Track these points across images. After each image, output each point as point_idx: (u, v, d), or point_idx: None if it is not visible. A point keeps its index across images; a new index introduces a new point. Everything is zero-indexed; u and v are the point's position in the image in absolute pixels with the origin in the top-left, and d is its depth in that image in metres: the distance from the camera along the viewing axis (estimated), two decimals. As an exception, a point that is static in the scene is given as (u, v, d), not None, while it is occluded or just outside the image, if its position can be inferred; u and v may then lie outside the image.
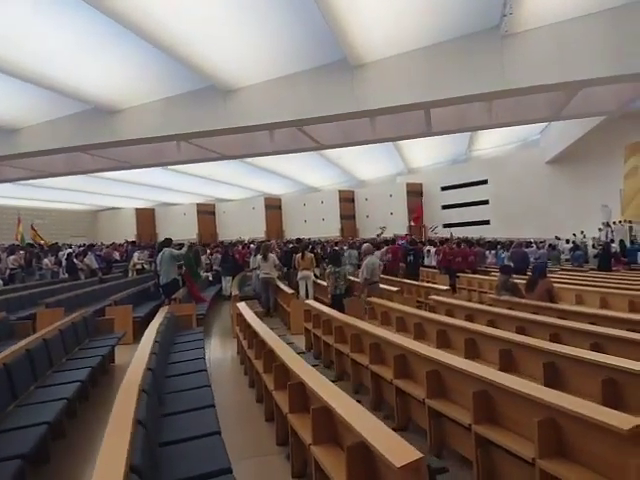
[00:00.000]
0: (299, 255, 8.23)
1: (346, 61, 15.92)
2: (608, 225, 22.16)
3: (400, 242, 11.55)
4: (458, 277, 9.63)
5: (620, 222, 22.06)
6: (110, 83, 16.23)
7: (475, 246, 12.26)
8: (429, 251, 11.39)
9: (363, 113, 17.36)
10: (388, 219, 36.99)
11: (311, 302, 5.64)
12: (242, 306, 5.24)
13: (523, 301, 5.09)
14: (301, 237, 24.39)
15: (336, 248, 13.04)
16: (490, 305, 5.28)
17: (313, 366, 3.58)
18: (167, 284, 8.48)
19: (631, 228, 21.65)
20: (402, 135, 22.95)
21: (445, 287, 7.05)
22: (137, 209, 44.66)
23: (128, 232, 41.72)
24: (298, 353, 3.98)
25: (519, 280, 6.03)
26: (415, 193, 39.66)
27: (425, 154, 35.88)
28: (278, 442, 3.27)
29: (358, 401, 2.29)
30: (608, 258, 11.38)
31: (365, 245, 6.87)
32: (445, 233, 32.15)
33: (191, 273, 9.16)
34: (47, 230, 35.95)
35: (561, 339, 3.48)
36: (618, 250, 12.14)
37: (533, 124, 26.88)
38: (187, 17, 12.99)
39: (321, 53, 16.16)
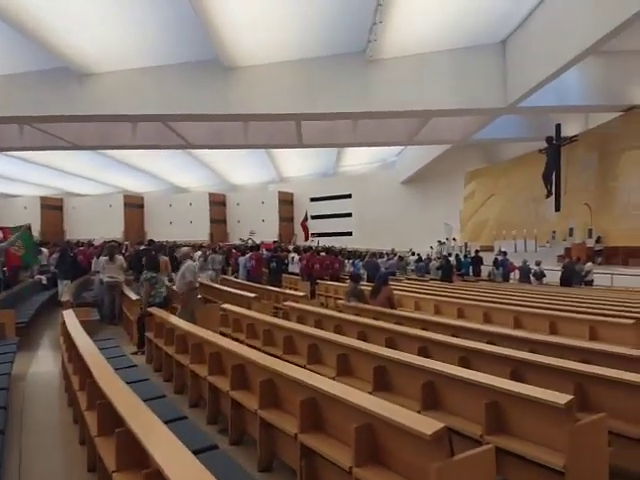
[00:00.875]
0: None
1: (219, 61, 15.58)
2: (442, 243, 25.46)
3: (264, 250, 11.60)
4: (317, 284, 9.98)
5: (450, 239, 25.43)
6: None
7: (339, 255, 12.89)
8: (293, 258, 11.62)
9: (233, 117, 17.14)
10: (260, 225, 37.04)
11: (155, 310, 5.24)
12: (68, 313, 4.63)
13: (367, 307, 5.43)
14: (160, 240, 22.99)
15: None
16: (339, 311, 5.53)
17: (143, 380, 3.30)
18: None
19: (466, 244, 24.95)
20: (274, 144, 23.26)
21: (302, 293, 7.22)
22: (-40, 200, 37.72)
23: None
24: (129, 367, 3.64)
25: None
26: (286, 202, 40.46)
27: (297, 165, 36.94)
28: (89, 468, 2.88)
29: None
30: (449, 270, 12.86)
31: (184, 249, 6.61)
32: (313, 242, 33.35)
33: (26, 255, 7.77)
34: None
35: (395, 343, 3.76)
36: (455, 263, 13.89)
37: (390, 147, 29.57)
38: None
39: (193, 49, 15.52)
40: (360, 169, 38.08)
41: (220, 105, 16.28)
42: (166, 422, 2.04)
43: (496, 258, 13.73)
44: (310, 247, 15.03)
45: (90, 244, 12.89)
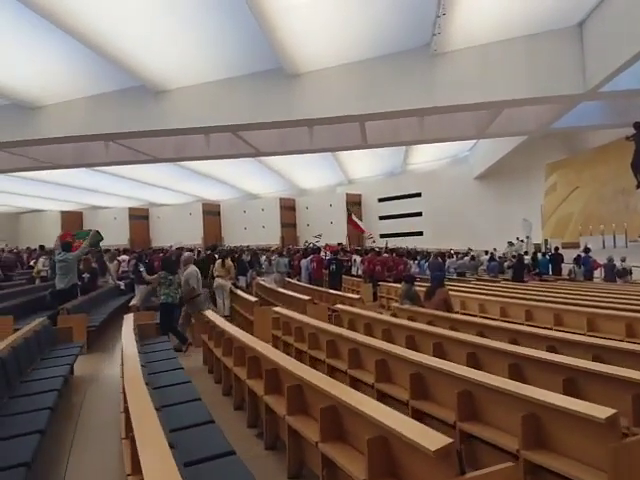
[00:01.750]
0: (219, 262, 7.95)
1: (282, 70, 15.98)
2: (512, 244, 23.85)
3: (328, 252, 11.63)
4: (379, 285, 9.82)
5: (521, 238, 23.68)
6: (29, 76, 15.18)
7: (403, 256, 12.62)
8: (355, 260, 11.54)
9: (298, 122, 17.45)
10: (328, 228, 37.36)
11: (210, 314, 5.42)
12: (128, 317, 4.95)
13: (422, 310, 5.24)
14: (237, 245, 23.88)
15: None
16: (393, 314, 5.39)
17: (184, 383, 3.34)
18: (61, 291, 7.90)
19: (546, 241, 23.27)
20: (339, 146, 23.33)
21: (357, 296, 7.12)
22: (62, 212, 41.95)
23: (53, 237, 39.11)
24: (175, 369, 3.79)
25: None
26: (354, 203, 40.43)
27: (364, 166, 36.75)
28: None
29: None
30: (521, 270, 12.08)
31: (186, 254, 6.56)
32: (382, 243, 32.99)
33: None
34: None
35: (443, 349, 3.58)
36: (531, 262, 13.00)
37: (462, 141, 28.40)
38: (113, 14, 12.49)
39: (258, 60, 16.08)
40: (429, 166, 36.99)
41: (284, 112, 16.68)
42: (190, 426, 2.12)
43: (578, 255, 12.64)
44: (373, 248, 14.84)
45: (164, 250, 13.75)
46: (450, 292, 7.49)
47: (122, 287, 9.68)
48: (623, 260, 11.19)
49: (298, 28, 13.87)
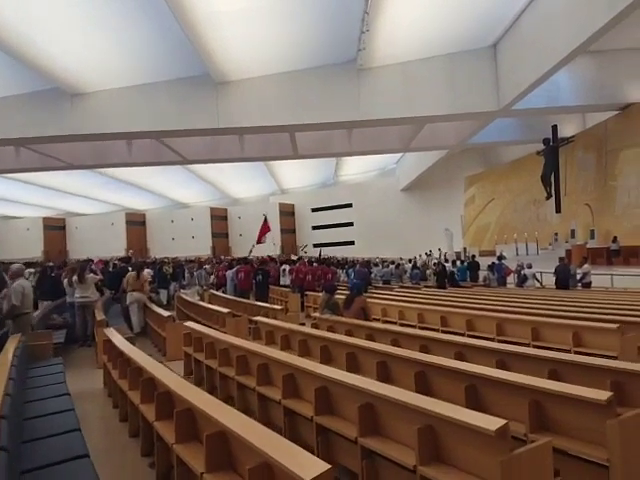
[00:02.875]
0: (132, 274, 7.46)
1: (210, 76, 15.63)
2: (429, 254, 25.33)
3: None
4: (306, 295, 9.78)
5: (437, 249, 25.32)
6: None
7: (331, 265, 12.71)
8: (284, 270, 11.43)
9: (225, 130, 17.10)
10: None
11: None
12: (12, 339, 4.46)
13: (341, 319, 5.24)
14: (162, 257, 22.80)
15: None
16: (314, 324, 5.34)
17: None
18: None
19: (465, 249, 24.66)
20: (269, 156, 23.24)
21: (279, 307, 7.01)
22: (-34, 222, 38.11)
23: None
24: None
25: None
26: (287, 213, 40.43)
27: (297, 176, 36.97)
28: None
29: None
30: (444, 276, 12.63)
31: (14, 266, 5.88)
32: (315, 252, 33.23)
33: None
34: None
35: (357, 359, 3.57)
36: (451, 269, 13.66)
37: (389, 154, 29.49)
38: (26, 13, 11.58)
39: (183, 65, 15.59)
40: (360, 178, 38.05)
41: (211, 119, 16.30)
42: (54, 464, 1.85)
43: (493, 262, 13.47)
44: (299, 257, 14.82)
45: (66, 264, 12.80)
46: (373, 299, 7.62)
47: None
48: (529, 267, 12.05)
49: (226, 35, 13.66)
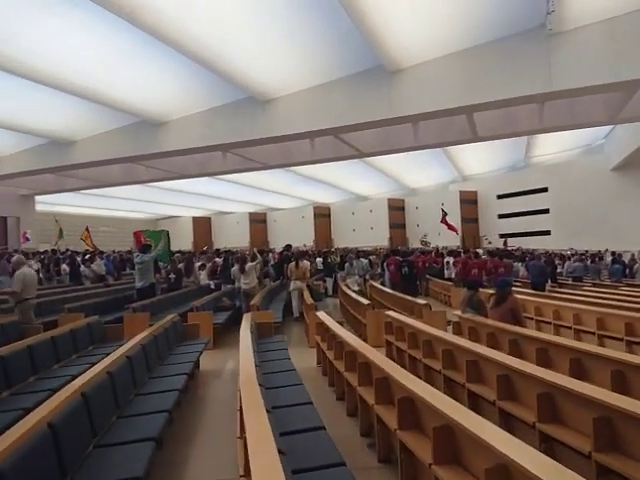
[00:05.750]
0: (292, 264, 8.00)
1: (383, 67, 15.69)
2: None
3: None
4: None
5: None
6: (154, 96, 17.14)
7: (504, 258, 11.42)
8: (448, 263, 10.72)
9: (399, 119, 16.94)
10: (439, 228, 35.81)
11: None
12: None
13: (485, 320, 4.57)
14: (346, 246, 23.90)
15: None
16: (455, 322, 4.82)
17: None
18: (140, 289, 8.52)
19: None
20: (445, 141, 22.16)
21: (423, 302, 6.54)
22: (194, 217, 46.63)
23: (186, 240, 43.65)
24: None
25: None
26: (469, 201, 38.16)
27: (480, 161, 34.42)
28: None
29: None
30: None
31: (16, 257, 5.86)
32: (500, 243, 30.64)
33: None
34: (112, 237, 38.56)
35: (480, 372, 3.05)
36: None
37: (596, 128, 24.97)
38: (221, 31, 13.47)
39: (356, 60, 16.04)
40: (557, 157, 33.25)
41: (385, 110, 16.38)
42: (300, 431, 2.08)
43: None
44: (467, 249, 13.66)
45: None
46: (537, 299, 6.54)
47: (212, 286, 10.36)
48: None
49: (395, 21, 13.49)
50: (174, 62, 14.81)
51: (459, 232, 28.29)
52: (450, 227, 22.79)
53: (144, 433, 3.30)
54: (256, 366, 3.25)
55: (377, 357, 3.13)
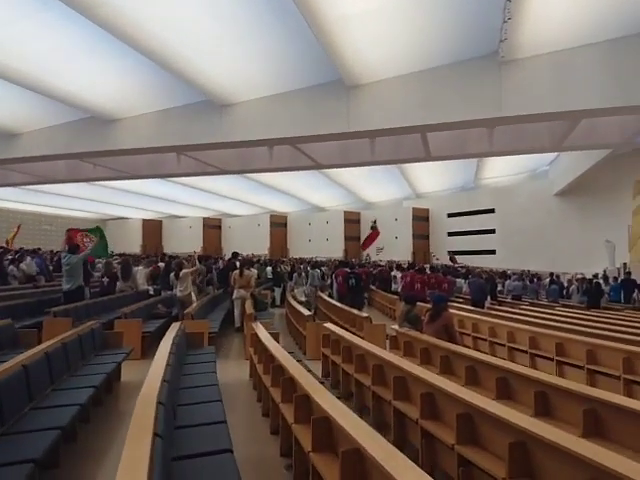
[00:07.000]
0: (237, 272, 7.82)
1: (342, 81, 15.86)
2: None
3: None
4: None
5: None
6: (106, 92, 16.44)
7: (448, 275, 11.73)
8: (395, 277, 10.88)
9: (357, 134, 17.16)
10: (392, 243, 36.50)
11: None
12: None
13: (421, 335, 4.61)
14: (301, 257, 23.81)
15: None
16: (391, 336, 4.83)
17: None
18: (67, 292, 8.16)
19: (625, 265, 20.67)
20: (401, 158, 22.67)
21: (365, 315, 6.56)
22: (144, 220, 45.04)
23: (134, 242, 42.06)
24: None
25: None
26: (421, 218, 39.20)
27: (433, 180, 35.52)
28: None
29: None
30: (597, 295, 10.72)
31: None
32: (446, 259, 31.56)
33: None
34: (55, 236, 36.52)
35: (406, 388, 3.02)
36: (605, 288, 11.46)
37: (541, 154, 26.39)
38: (180, 32, 13.14)
39: (316, 72, 16.13)
40: (505, 181, 34.88)
41: (344, 123, 16.54)
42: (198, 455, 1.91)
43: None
44: (412, 264, 13.97)
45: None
46: (490, 318, 6.72)
47: (151, 292, 9.95)
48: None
49: (357, 38, 13.70)
50: (129, 59, 14.29)
51: (366, 249, 29.15)
52: (370, 242, 23.40)
53: (25, 455, 2.90)
54: (165, 381, 2.99)
55: (300, 373, 2.98)
